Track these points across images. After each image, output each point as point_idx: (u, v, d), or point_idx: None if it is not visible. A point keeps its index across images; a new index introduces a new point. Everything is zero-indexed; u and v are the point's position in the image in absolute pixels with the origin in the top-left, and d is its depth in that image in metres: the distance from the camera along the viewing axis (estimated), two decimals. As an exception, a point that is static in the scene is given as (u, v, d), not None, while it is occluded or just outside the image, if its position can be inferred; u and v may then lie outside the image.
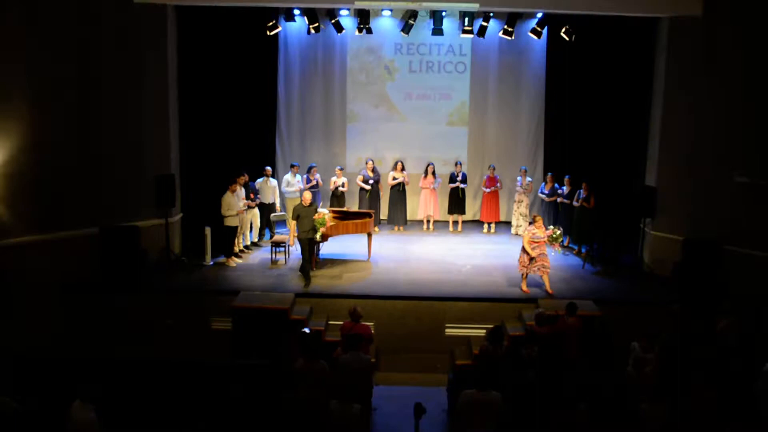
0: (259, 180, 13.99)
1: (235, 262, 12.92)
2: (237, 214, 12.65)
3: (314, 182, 14.36)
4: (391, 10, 14.69)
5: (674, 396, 6.85)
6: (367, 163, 14.93)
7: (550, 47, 15.09)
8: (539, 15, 14.13)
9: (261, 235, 14.29)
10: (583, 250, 13.61)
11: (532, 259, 11.45)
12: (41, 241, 11.35)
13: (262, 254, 13.58)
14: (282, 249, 13.08)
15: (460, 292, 11.67)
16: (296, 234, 11.97)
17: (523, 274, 11.63)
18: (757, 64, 11.63)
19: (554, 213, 14.37)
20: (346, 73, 15.72)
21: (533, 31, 14.28)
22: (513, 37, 14.47)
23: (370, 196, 14.81)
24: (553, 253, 11.77)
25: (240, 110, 14.69)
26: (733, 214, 11.87)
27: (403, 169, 14.97)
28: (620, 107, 14.16)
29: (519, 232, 14.99)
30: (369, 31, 14.33)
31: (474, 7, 13.26)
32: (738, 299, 9.93)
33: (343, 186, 14.70)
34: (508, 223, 15.52)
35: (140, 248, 12.13)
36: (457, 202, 15.25)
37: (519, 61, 15.57)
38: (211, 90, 14.13)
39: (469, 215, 15.86)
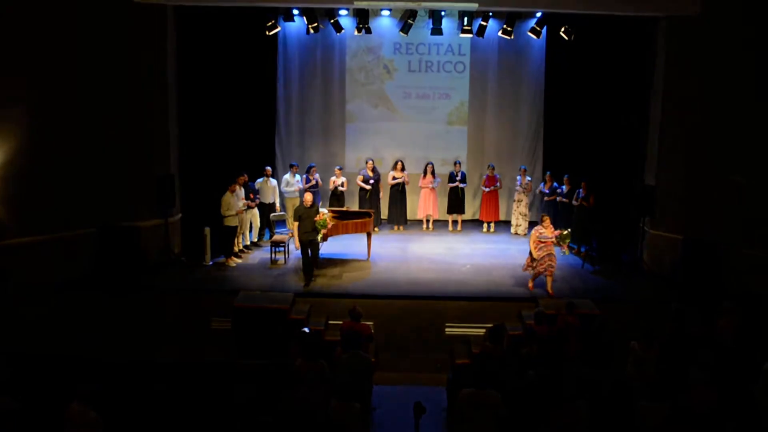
0: (259, 180, 13.99)
1: (234, 262, 12.93)
2: (236, 214, 12.66)
3: (313, 182, 14.37)
4: (390, 10, 14.70)
5: (674, 395, 6.84)
6: (367, 162, 14.94)
7: (549, 47, 15.11)
8: (538, 14, 14.15)
9: (261, 234, 14.30)
10: (583, 250, 13.62)
11: (535, 259, 11.46)
12: (40, 241, 11.36)
13: (262, 254, 13.59)
14: (282, 249, 13.08)
15: (459, 292, 11.69)
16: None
17: (531, 274, 11.64)
18: (756, 63, 11.63)
19: (553, 212, 14.38)
20: (345, 73, 15.73)
21: (532, 30, 14.30)
22: (512, 37, 14.50)
23: (370, 195, 14.81)
24: (562, 253, 11.75)
25: (239, 110, 14.70)
26: (732, 213, 11.87)
27: (403, 168, 14.98)
28: (619, 106, 14.17)
29: (518, 232, 15.02)
30: (368, 30, 14.35)
31: (473, 6, 13.27)
32: (737, 298, 9.92)
33: (342, 186, 14.70)
34: (507, 223, 15.53)
35: (140, 248, 12.15)
36: (456, 201, 15.26)
37: (518, 60, 15.58)
38: (211, 90, 14.13)
39: (468, 214, 15.87)
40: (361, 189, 14.88)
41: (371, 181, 14.75)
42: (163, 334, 10.64)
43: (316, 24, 14.05)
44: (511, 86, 15.70)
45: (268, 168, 14.21)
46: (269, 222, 13.89)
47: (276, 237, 13.29)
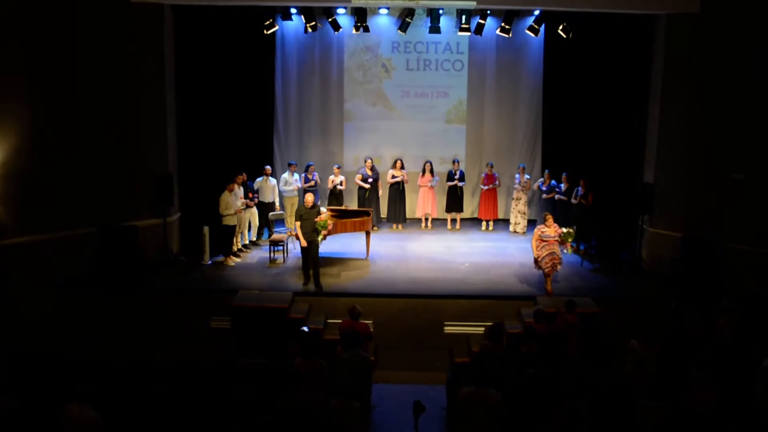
0: (259, 179, 13.97)
1: (233, 261, 12.92)
2: (235, 214, 12.64)
3: (312, 182, 14.36)
4: (388, 9, 14.68)
5: (674, 394, 6.84)
6: (365, 161, 14.92)
7: (547, 44, 15.09)
8: (536, 12, 14.13)
9: (260, 234, 14.29)
10: (582, 248, 13.62)
11: (536, 259, 11.43)
12: (39, 241, 11.34)
13: (261, 253, 13.58)
14: (280, 248, 13.08)
15: (458, 290, 11.68)
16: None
17: (544, 274, 11.58)
18: (755, 62, 11.62)
19: (551, 210, 14.35)
20: (344, 72, 15.70)
21: (530, 28, 14.29)
22: (510, 35, 14.50)
23: (369, 194, 14.80)
24: (565, 251, 11.69)
25: (237, 109, 14.69)
26: (732, 211, 11.88)
27: (402, 167, 14.97)
28: (618, 104, 14.17)
29: (517, 230, 15.02)
30: (366, 29, 14.33)
31: (471, 5, 13.25)
32: (737, 296, 9.92)
33: (341, 184, 14.69)
34: (506, 221, 15.51)
35: (138, 248, 12.13)
36: (455, 199, 15.25)
37: (516, 58, 15.57)
38: (209, 89, 14.12)
39: (467, 213, 15.86)
40: (360, 188, 14.87)
41: (370, 180, 14.74)
42: (162, 333, 10.64)
43: (314, 23, 14.02)
44: (510, 84, 15.69)
45: (268, 167, 14.19)
46: (268, 221, 13.87)
47: (275, 236, 13.28)
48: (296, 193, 14.47)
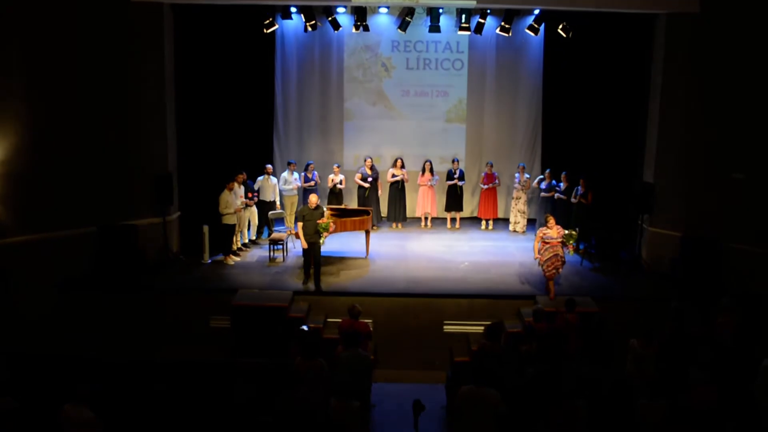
0: (260, 178, 13.97)
1: (233, 260, 12.92)
2: (235, 213, 12.64)
3: (312, 181, 14.35)
4: (388, 8, 14.68)
5: (673, 393, 6.85)
6: (365, 160, 14.92)
7: (547, 44, 15.07)
8: (536, 12, 14.11)
9: (259, 232, 14.28)
10: (581, 247, 13.61)
11: (540, 261, 11.41)
12: (39, 240, 11.34)
13: (261, 252, 13.58)
14: (280, 247, 13.07)
15: (458, 289, 11.68)
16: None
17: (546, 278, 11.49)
18: (755, 61, 11.63)
19: (551, 209, 14.36)
20: (343, 71, 15.69)
21: (530, 27, 14.28)
22: (510, 34, 14.48)
23: (369, 193, 14.80)
24: (568, 253, 11.61)
25: (237, 108, 14.67)
26: (731, 210, 11.88)
27: (402, 166, 14.96)
28: (618, 103, 14.16)
29: (517, 229, 15.01)
30: (366, 28, 14.32)
31: (471, 4, 13.24)
32: (736, 295, 9.93)
33: (340, 183, 14.69)
34: (506, 220, 15.50)
35: (138, 247, 12.13)
36: (454, 199, 15.25)
37: (516, 57, 15.56)
38: (209, 88, 14.10)
39: (466, 212, 15.86)
40: (360, 187, 14.86)
41: (369, 179, 14.73)
42: (162, 333, 10.64)
43: (313, 22, 14.01)
44: (510, 83, 15.68)
45: (269, 166, 14.19)
46: (268, 220, 13.86)
47: (274, 235, 13.28)
48: (296, 192, 14.47)
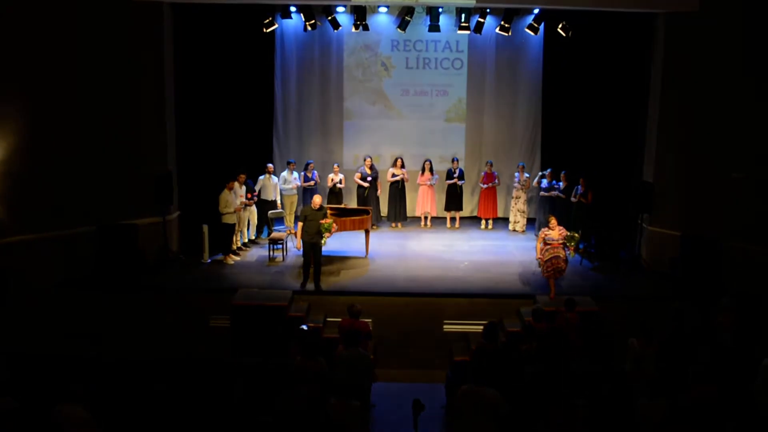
0: (261, 177, 13.97)
1: (233, 259, 12.91)
2: (234, 212, 12.64)
3: (312, 180, 14.34)
4: (387, 7, 14.68)
5: (673, 392, 6.85)
6: (365, 160, 14.92)
7: (547, 43, 15.09)
8: (536, 11, 14.12)
9: (259, 232, 14.28)
10: (581, 246, 13.60)
11: (541, 262, 11.38)
12: (39, 240, 11.33)
13: (260, 252, 13.57)
14: (280, 246, 13.07)
15: (458, 289, 11.67)
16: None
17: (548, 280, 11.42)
18: (754, 61, 11.62)
19: (550, 208, 14.37)
20: (343, 70, 15.70)
21: (530, 27, 14.29)
22: (510, 34, 14.49)
23: (369, 193, 14.79)
24: (570, 255, 11.56)
25: (237, 108, 14.68)
26: (731, 210, 11.88)
27: (402, 165, 14.96)
28: (617, 103, 14.16)
29: (516, 228, 15.02)
30: (365, 27, 14.32)
31: (471, 3, 13.24)
32: (736, 294, 9.92)
33: (340, 183, 14.69)
34: (505, 220, 15.51)
35: (138, 246, 12.12)
36: (454, 198, 15.25)
37: (516, 57, 15.57)
38: (208, 88, 14.10)
39: (466, 211, 15.87)
40: (359, 186, 14.86)
41: (369, 179, 14.73)
42: (162, 332, 10.63)
43: (313, 21, 14.01)
44: (509, 83, 15.69)
45: (270, 165, 14.20)
46: (268, 219, 13.86)
47: (274, 234, 13.28)
48: (295, 191, 14.47)
